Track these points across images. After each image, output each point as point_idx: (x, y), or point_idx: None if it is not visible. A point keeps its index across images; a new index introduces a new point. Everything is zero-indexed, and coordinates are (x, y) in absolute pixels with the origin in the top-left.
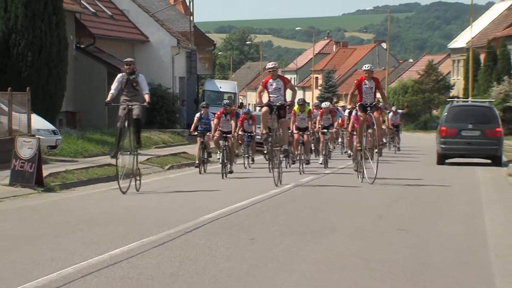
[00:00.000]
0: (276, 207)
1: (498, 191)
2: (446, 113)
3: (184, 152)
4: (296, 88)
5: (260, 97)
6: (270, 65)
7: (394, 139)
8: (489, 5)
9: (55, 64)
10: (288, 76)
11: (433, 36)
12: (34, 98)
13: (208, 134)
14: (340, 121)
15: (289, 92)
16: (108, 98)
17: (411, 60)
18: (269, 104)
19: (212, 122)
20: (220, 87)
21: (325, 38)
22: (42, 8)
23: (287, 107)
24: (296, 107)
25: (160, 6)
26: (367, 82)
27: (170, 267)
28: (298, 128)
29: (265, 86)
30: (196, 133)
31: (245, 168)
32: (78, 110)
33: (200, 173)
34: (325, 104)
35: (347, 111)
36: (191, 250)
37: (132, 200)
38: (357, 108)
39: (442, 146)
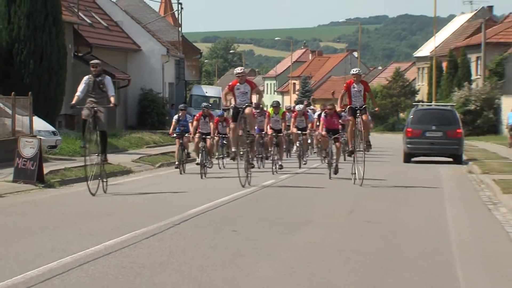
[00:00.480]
0: (255, 202)
1: (459, 187)
2: (412, 116)
3: (173, 152)
4: (262, 92)
5: (226, 99)
6: (238, 70)
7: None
8: (450, 18)
9: (55, 71)
10: (268, 82)
11: (400, 45)
12: (35, 102)
13: (186, 135)
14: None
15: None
16: (74, 101)
17: (380, 68)
18: (235, 107)
19: (190, 124)
20: (206, 92)
21: (302, 47)
22: (43, 20)
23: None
24: (270, 109)
25: (151, 18)
26: (355, 85)
27: (160, 256)
28: (272, 129)
29: (232, 89)
30: (174, 135)
31: (220, 168)
32: (76, 113)
33: (180, 173)
34: (298, 107)
35: (316, 113)
36: (179, 241)
37: (125, 195)
38: (346, 111)
39: (408, 146)
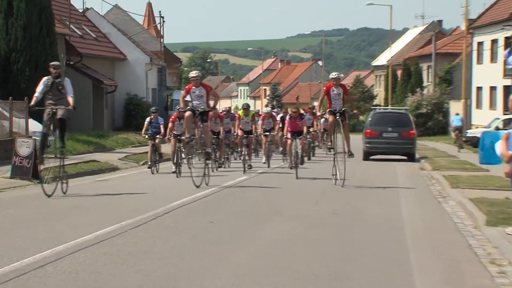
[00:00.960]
0: (230, 196)
1: (412, 183)
2: (370, 118)
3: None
4: (219, 95)
5: (183, 102)
6: (193, 73)
7: (326, 141)
8: (404, 30)
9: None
10: (241, 88)
11: (360, 55)
12: (31, 106)
13: (157, 136)
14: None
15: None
16: (33, 102)
17: (342, 75)
18: (192, 110)
19: (161, 125)
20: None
21: (272, 57)
22: (38, 31)
23: (209, 112)
24: (241, 111)
25: (136, 30)
26: (335, 89)
27: (145, 245)
28: (242, 131)
29: (188, 93)
30: (146, 136)
31: (189, 168)
32: (68, 116)
33: (152, 173)
34: (266, 110)
35: (279, 116)
36: (162, 231)
37: (112, 190)
38: (326, 114)
39: (367, 145)
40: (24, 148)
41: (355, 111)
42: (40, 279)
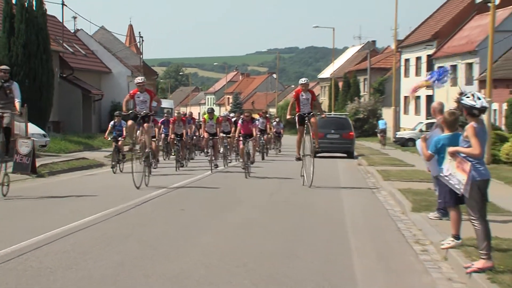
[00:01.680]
0: (199, 188)
1: (351, 176)
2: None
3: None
4: (161, 100)
5: (126, 105)
6: (139, 79)
7: (277, 143)
8: (345, 49)
9: (45, 88)
10: (208, 96)
11: (308, 69)
12: (30, 112)
13: (120, 139)
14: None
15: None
16: None
17: (293, 86)
18: (134, 113)
19: (124, 128)
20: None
21: (234, 70)
22: (36, 49)
23: (151, 116)
24: (206, 115)
25: (119, 47)
26: (304, 94)
27: (126, 230)
28: (208, 133)
29: (132, 97)
30: (109, 138)
31: (154, 168)
32: (61, 120)
33: (114, 173)
34: (223, 114)
35: (234, 119)
36: (141, 218)
37: (98, 183)
38: (296, 117)
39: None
40: (24, 147)
41: (323, 115)
42: (37, 258)
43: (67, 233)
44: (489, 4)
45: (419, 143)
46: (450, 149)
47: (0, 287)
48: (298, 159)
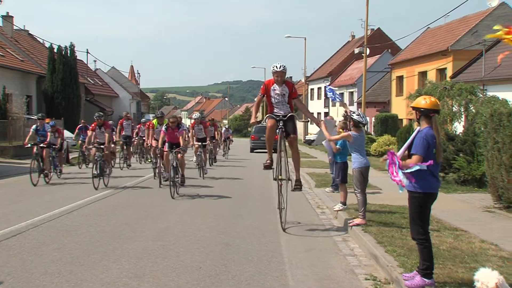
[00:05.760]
0: (147, 189)
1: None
2: (253, 129)
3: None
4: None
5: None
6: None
7: (225, 148)
8: None
9: (75, 107)
10: (183, 113)
11: (249, 94)
12: (65, 123)
13: (41, 145)
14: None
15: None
16: None
17: (238, 106)
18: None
19: (48, 133)
20: (151, 117)
21: (200, 95)
22: (69, 81)
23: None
24: (154, 120)
25: (124, 80)
26: (277, 86)
27: (89, 220)
28: (156, 140)
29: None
30: (29, 145)
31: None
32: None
33: (34, 185)
34: (195, 116)
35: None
36: (99, 211)
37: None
38: (266, 120)
39: (252, 144)
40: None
41: (320, 122)
42: (70, 219)
43: (89, 202)
44: (363, 54)
45: (326, 144)
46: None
47: (45, 238)
48: (268, 167)
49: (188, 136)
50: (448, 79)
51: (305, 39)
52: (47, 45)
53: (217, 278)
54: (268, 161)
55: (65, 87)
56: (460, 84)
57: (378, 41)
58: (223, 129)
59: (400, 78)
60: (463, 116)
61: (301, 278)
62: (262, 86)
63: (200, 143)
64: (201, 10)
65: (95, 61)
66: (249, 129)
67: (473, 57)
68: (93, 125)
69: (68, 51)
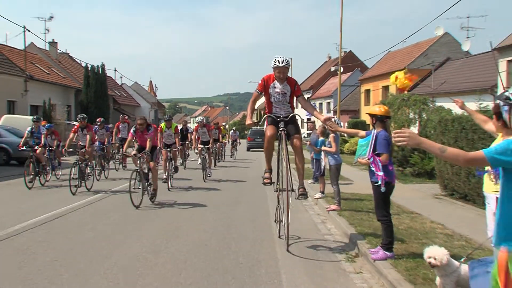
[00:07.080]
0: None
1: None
2: (249, 132)
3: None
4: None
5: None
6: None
7: (233, 150)
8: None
9: (105, 116)
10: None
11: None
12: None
13: (36, 148)
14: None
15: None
16: None
17: (237, 113)
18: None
19: (42, 136)
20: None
21: (206, 105)
22: (100, 93)
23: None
24: (163, 123)
25: (144, 92)
26: (278, 84)
27: (85, 219)
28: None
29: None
30: (24, 148)
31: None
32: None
33: (29, 188)
34: (199, 119)
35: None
36: (95, 212)
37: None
38: (265, 126)
39: (248, 144)
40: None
41: (333, 126)
42: (77, 216)
43: (88, 203)
44: (338, 72)
45: (309, 147)
46: (323, 148)
47: (52, 230)
48: (268, 183)
49: (176, 139)
50: (405, 92)
51: (291, 59)
52: (83, 64)
53: (220, 254)
54: (267, 175)
55: (97, 98)
56: (415, 96)
57: (350, 61)
58: (231, 131)
59: (367, 91)
60: (417, 122)
61: (287, 251)
62: (260, 82)
63: (203, 146)
64: (205, 34)
65: (121, 77)
66: (245, 132)
67: (425, 74)
68: (75, 127)
69: (100, 69)
